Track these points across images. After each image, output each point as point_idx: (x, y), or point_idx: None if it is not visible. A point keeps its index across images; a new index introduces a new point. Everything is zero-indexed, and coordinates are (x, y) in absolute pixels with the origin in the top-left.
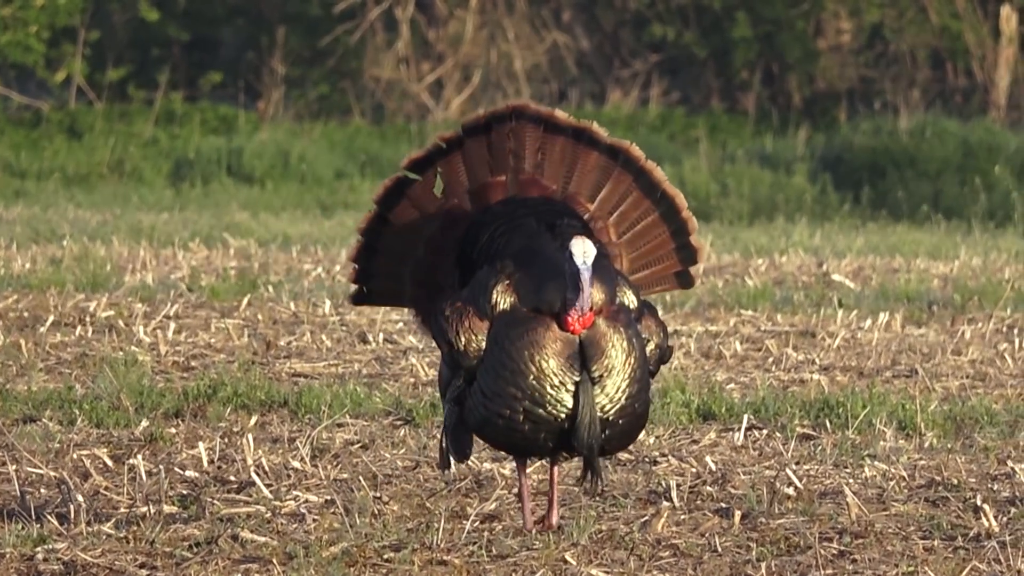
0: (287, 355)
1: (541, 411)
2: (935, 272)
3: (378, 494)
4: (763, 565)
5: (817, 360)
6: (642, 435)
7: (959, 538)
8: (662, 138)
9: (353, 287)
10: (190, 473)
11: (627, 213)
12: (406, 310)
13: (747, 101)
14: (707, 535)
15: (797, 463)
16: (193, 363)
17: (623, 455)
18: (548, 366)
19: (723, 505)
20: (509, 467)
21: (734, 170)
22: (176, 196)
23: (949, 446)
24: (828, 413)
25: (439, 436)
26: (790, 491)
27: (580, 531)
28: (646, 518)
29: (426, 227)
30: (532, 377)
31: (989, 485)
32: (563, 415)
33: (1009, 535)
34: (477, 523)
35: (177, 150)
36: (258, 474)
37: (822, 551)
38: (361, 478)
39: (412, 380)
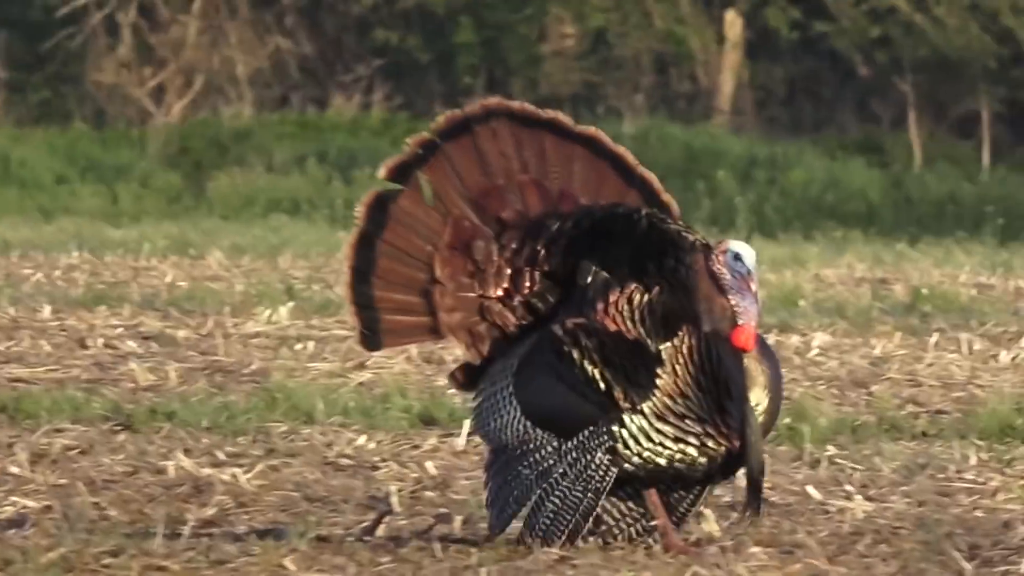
0: (6, 360)
1: (720, 443)
2: None
3: (97, 500)
4: (484, 570)
5: None
6: (362, 440)
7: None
8: (384, 143)
9: (359, 332)
10: None
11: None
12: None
13: None
14: (427, 540)
15: None
16: None
17: (344, 460)
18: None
19: (444, 510)
20: (229, 472)
21: None
22: None
23: None
24: None
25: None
26: None
27: (299, 537)
28: (366, 523)
29: (429, 241)
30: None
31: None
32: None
33: (730, 539)
34: (196, 529)
35: None
36: None
37: (543, 556)
38: (80, 484)
39: (131, 385)
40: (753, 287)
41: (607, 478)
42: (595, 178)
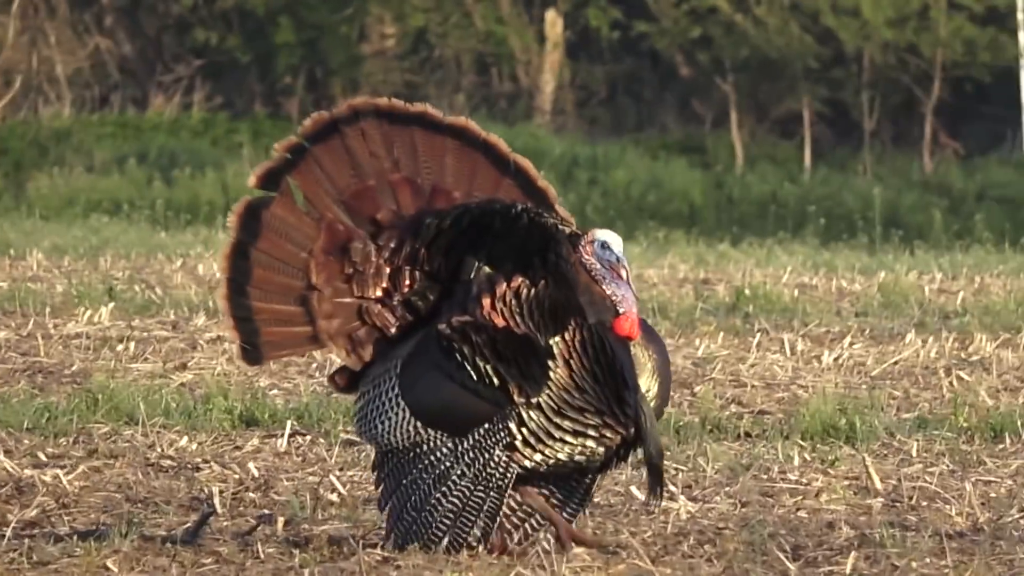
0: None
1: (618, 433)
2: None
3: None
4: (306, 571)
5: None
6: (184, 441)
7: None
8: (205, 143)
9: (239, 346)
10: None
11: (492, 195)
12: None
13: (290, 106)
14: (250, 541)
15: (341, 469)
16: None
17: (166, 462)
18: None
19: (266, 511)
20: (50, 474)
21: None
22: None
23: None
24: None
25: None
26: (334, 497)
27: (122, 538)
28: (189, 525)
29: (304, 248)
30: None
31: None
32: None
33: (554, 540)
34: (18, 530)
35: None
36: None
37: (366, 557)
38: None
39: None
40: (624, 274)
41: (508, 475)
42: (467, 169)
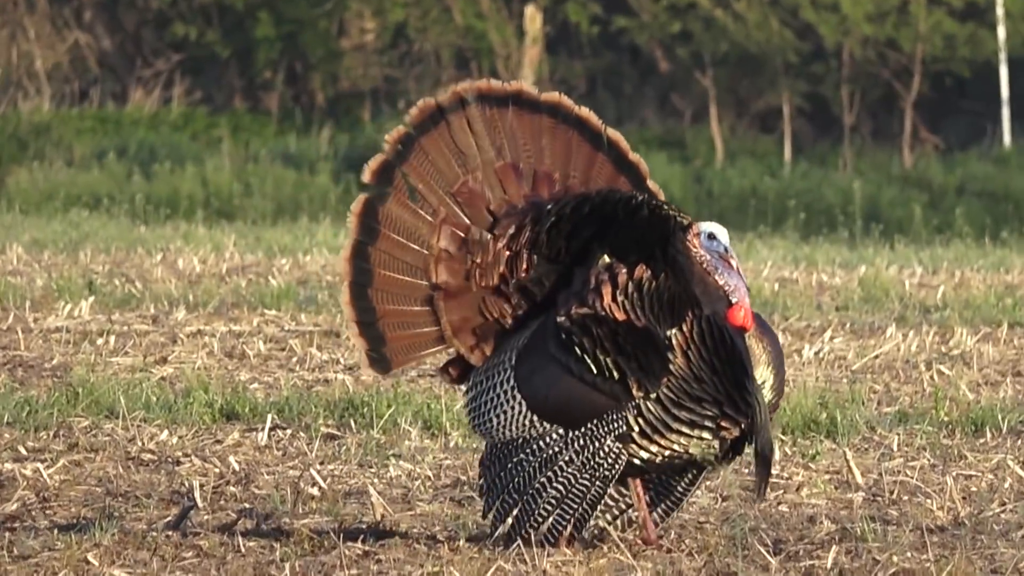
0: None
1: (737, 424)
2: None
3: None
4: (287, 565)
5: (341, 360)
6: (164, 435)
7: (485, 538)
8: (184, 137)
9: (366, 355)
10: None
11: (586, 172)
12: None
13: (270, 101)
14: (231, 535)
15: (322, 463)
16: None
17: (147, 455)
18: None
19: (247, 505)
20: (31, 468)
21: (257, 169)
22: None
23: (474, 445)
24: (353, 412)
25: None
26: (314, 491)
27: (102, 531)
28: (169, 518)
29: (423, 244)
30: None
31: None
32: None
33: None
34: None
35: None
36: None
37: (347, 551)
38: None
39: None
40: (734, 263)
41: (616, 465)
42: (562, 148)
